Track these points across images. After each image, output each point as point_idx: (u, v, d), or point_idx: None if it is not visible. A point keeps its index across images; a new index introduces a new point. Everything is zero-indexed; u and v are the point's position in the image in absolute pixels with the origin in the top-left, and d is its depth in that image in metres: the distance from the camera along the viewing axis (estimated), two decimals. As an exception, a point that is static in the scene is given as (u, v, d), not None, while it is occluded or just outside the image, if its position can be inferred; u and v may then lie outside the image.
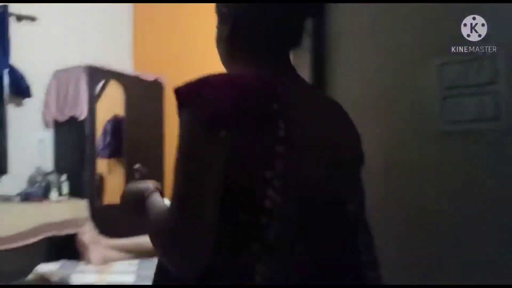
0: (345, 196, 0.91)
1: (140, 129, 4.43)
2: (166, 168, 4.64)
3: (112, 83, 4.64)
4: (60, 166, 4.19)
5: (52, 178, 3.90)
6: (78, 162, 4.04)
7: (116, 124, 4.64)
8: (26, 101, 4.07)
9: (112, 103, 4.72)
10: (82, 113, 4.00)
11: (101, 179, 4.75)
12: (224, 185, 0.79)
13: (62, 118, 4.15)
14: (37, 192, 3.67)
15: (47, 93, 4.23)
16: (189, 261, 0.78)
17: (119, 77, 4.36)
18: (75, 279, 2.55)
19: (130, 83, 4.42)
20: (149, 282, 0.92)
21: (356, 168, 0.97)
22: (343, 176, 0.91)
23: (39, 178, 3.85)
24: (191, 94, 0.83)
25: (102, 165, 4.61)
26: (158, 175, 4.56)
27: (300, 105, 0.87)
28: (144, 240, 3.16)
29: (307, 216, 0.83)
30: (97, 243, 3.08)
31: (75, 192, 3.95)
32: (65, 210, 3.66)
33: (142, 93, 4.49)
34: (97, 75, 4.17)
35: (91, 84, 4.08)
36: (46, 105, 4.22)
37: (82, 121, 4.01)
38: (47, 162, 4.15)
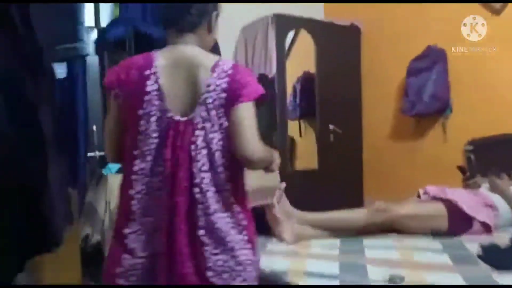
0: None
1: (334, 85, 3.81)
2: (364, 129, 3.96)
3: (302, 35, 4.12)
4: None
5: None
6: (267, 124, 3.67)
7: (307, 81, 4.13)
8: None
9: (302, 58, 4.21)
10: (271, 69, 3.58)
11: (292, 142, 4.36)
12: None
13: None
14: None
15: (236, 52, 3.95)
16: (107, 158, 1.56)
17: (309, 24, 3.78)
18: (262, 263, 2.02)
19: (321, 31, 3.80)
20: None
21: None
22: None
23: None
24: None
25: (292, 127, 4.20)
26: (354, 137, 3.92)
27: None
28: (346, 216, 2.58)
29: None
30: (289, 217, 2.63)
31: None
32: (253, 178, 3.33)
33: (336, 42, 3.84)
34: (285, 25, 3.68)
35: (280, 35, 3.61)
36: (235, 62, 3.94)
37: (272, 80, 3.60)
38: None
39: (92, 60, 3.39)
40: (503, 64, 2.69)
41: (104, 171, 3.05)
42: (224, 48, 3.77)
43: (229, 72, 1.34)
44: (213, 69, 1.33)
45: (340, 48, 3.85)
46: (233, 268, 1.30)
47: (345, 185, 3.83)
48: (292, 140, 4.36)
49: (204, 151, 1.31)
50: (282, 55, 3.64)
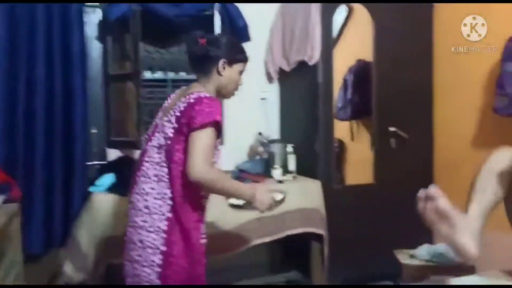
0: None
1: (397, 76, 2.94)
2: (436, 133, 3.05)
3: (356, 14, 3.28)
4: (285, 134, 3.13)
5: (276, 148, 2.85)
6: (309, 127, 2.87)
7: (362, 72, 3.29)
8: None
9: (356, 43, 3.38)
10: (313, 55, 2.77)
11: (341, 148, 3.52)
12: None
13: (288, 66, 3.04)
14: (254, 167, 2.66)
15: (271, 35, 3.18)
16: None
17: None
18: None
19: (383, 7, 2.94)
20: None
21: None
22: None
23: (259, 149, 2.86)
24: None
25: (342, 129, 3.37)
26: (423, 143, 3.02)
27: None
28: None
29: None
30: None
31: (305, 168, 2.82)
32: (292, 195, 2.56)
33: (401, 23, 2.96)
34: (331, 5, 2.86)
35: (326, 13, 2.79)
36: (270, 50, 3.17)
37: (314, 69, 2.79)
38: (271, 128, 3.15)
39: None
40: None
41: (91, 189, 2.39)
42: (257, 33, 3.03)
43: (191, 100, 1.56)
44: (184, 97, 1.60)
45: (406, 29, 2.96)
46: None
47: (409, 205, 2.93)
48: (342, 145, 3.52)
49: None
50: (329, 37, 2.82)
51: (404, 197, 2.93)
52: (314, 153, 2.79)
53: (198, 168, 1.44)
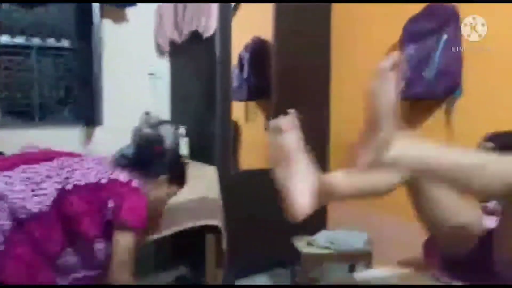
0: None
1: (295, 57, 2.79)
2: (332, 113, 2.98)
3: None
4: (177, 115, 2.81)
5: (166, 131, 2.51)
6: (204, 107, 2.59)
7: (259, 50, 3.09)
8: (130, 14, 2.70)
9: (252, 19, 3.15)
10: (208, 25, 2.47)
11: (236, 130, 3.31)
12: None
13: (180, 37, 2.70)
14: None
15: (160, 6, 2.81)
16: None
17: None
18: None
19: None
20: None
21: None
22: None
23: (146, 132, 2.50)
24: None
25: (235, 109, 3.16)
26: (320, 123, 2.94)
27: None
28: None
29: None
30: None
31: (199, 153, 2.54)
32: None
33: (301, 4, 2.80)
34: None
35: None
36: (160, 18, 2.80)
37: (211, 43, 2.50)
38: (161, 108, 2.80)
39: None
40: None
41: None
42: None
43: None
44: None
45: (306, 10, 2.82)
46: None
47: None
48: (236, 127, 3.31)
49: None
50: (227, 6, 2.55)
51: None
52: (209, 136, 2.52)
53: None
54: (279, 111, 2.70)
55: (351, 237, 2.39)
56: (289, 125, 1.14)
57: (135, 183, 1.59)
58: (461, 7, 1.99)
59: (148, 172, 1.69)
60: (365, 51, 2.73)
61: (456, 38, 2.20)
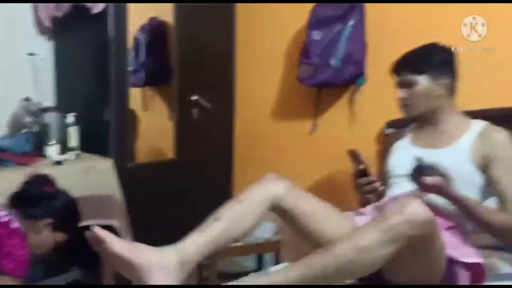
0: None
1: (197, 40, 2.61)
2: (239, 102, 2.87)
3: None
4: (64, 101, 2.47)
5: (51, 119, 2.19)
6: (96, 93, 2.31)
7: (155, 32, 2.85)
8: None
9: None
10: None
11: (133, 119, 3.04)
12: None
13: (59, 10, 2.35)
14: (19, 144, 1.98)
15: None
16: None
17: None
18: None
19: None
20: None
21: None
22: None
23: (25, 120, 2.15)
24: None
25: (132, 96, 2.89)
26: (227, 111, 2.81)
27: None
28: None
29: None
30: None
31: (91, 143, 2.26)
32: (74, 179, 1.99)
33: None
34: None
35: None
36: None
37: (103, 20, 2.22)
38: (43, 94, 2.44)
39: None
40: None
41: None
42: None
43: None
44: None
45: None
46: None
47: (213, 181, 2.71)
48: (133, 115, 3.04)
49: None
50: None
51: (208, 173, 2.71)
52: (104, 125, 2.25)
53: None
54: (181, 98, 2.55)
55: (258, 227, 2.30)
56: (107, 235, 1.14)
57: (15, 223, 1.40)
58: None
59: (31, 214, 1.50)
60: (271, 35, 2.65)
61: (360, 26, 2.22)
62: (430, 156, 1.39)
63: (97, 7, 2.16)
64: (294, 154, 2.58)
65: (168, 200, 2.46)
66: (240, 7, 2.81)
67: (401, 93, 1.50)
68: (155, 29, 2.88)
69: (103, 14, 2.20)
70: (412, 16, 2.11)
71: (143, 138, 2.95)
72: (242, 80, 2.84)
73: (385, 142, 2.13)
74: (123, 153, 2.28)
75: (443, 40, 1.83)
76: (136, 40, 2.90)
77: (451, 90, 1.50)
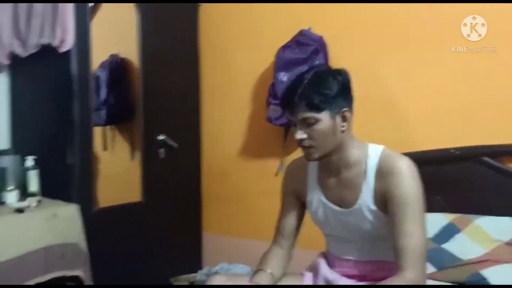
0: None
1: (162, 78, 2.57)
2: (205, 141, 2.82)
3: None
4: (23, 142, 2.31)
5: (8, 162, 2.03)
6: (58, 133, 2.18)
7: (117, 69, 2.77)
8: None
9: (108, 33, 2.82)
10: (65, 38, 2.10)
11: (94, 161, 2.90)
12: None
13: (26, 50, 2.24)
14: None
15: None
16: None
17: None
18: None
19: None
20: None
21: None
22: None
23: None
24: None
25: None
26: (191, 151, 2.75)
27: None
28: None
29: None
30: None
31: (52, 189, 2.11)
32: (37, 228, 1.84)
33: (168, 20, 2.60)
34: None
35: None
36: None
37: (64, 57, 2.13)
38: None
39: None
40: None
41: None
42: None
43: None
44: None
45: (173, 27, 2.64)
46: None
47: (181, 223, 2.62)
48: (94, 155, 2.90)
49: None
50: (85, 16, 2.21)
51: (175, 215, 2.61)
52: (66, 168, 2.12)
53: None
54: (146, 137, 2.47)
55: (235, 269, 2.24)
56: None
57: None
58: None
59: None
60: (236, 74, 2.67)
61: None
62: (342, 216, 1.35)
63: (65, 46, 2.06)
64: (261, 192, 2.56)
65: (136, 243, 2.33)
66: (205, 46, 2.81)
67: (300, 134, 1.27)
68: (116, 66, 2.80)
69: (66, 51, 2.11)
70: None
71: (104, 179, 2.82)
72: (208, 119, 2.81)
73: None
74: (88, 197, 2.15)
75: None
76: (97, 77, 2.80)
77: (351, 119, 1.32)
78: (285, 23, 2.44)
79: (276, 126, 2.37)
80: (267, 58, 2.42)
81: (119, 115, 2.77)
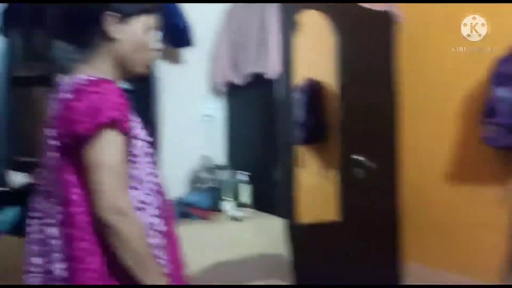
0: None
1: (362, 95, 2.60)
2: (404, 161, 2.74)
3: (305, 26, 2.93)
4: (237, 159, 2.62)
5: (226, 176, 2.33)
6: (265, 152, 2.41)
7: (313, 92, 2.94)
8: (186, 55, 2.60)
9: (304, 59, 3.01)
10: (272, 67, 2.33)
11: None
12: None
13: (239, 79, 2.57)
14: (205, 200, 2.11)
15: (217, 41, 2.70)
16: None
17: (328, 9, 2.57)
18: None
19: (345, 17, 2.60)
20: None
21: None
22: None
23: (203, 177, 2.32)
24: None
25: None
26: (390, 173, 2.69)
27: None
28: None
29: None
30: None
31: (262, 202, 2.33)
32: (248, 237, 2.05)
33: (365, 38, 2.65)
34: (293, 6, 2.45)
35: (286, 20, 2.39)
36: (216, 59, 2.68)
37: (269, 84, 2.36)
38: (218, 152, 2.63)
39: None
40: None
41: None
42: (200, 38, 2.55)
43: (66, 95, 1.00)
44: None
45: (369, 43, 2.66)
46: None
47: (374, 245, 2.57)
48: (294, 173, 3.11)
49: None
50: (289, 46, 2.41)
51: (373, 238, 2.56)
52: (271, 184, 2.32)
53: (107, 204, 0.92)
54: (342, 156, 2.53)
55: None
56: None
57: None
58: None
59: None
60: (440, 91, 2.52)
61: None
62: None
63: (274, 73, 2.29)
64: (477, 223, 2.31)
65: (333, 262, 2.39)
66: (402, 62, 2.73)
67: None
68: (312, 89, 2.96)
69: (271, 78, 2.34)
70: None
71: (301, 196, 2.98)
72: (408, 138, 2.71)
73: None
74: (291, 212, 2.30)
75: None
76: (296, 101, 3.01)
77: None
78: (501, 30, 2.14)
79: (495, 148, 2.17)
80: (478, 70, 2.22)
81: (314, 135, 2.92)
